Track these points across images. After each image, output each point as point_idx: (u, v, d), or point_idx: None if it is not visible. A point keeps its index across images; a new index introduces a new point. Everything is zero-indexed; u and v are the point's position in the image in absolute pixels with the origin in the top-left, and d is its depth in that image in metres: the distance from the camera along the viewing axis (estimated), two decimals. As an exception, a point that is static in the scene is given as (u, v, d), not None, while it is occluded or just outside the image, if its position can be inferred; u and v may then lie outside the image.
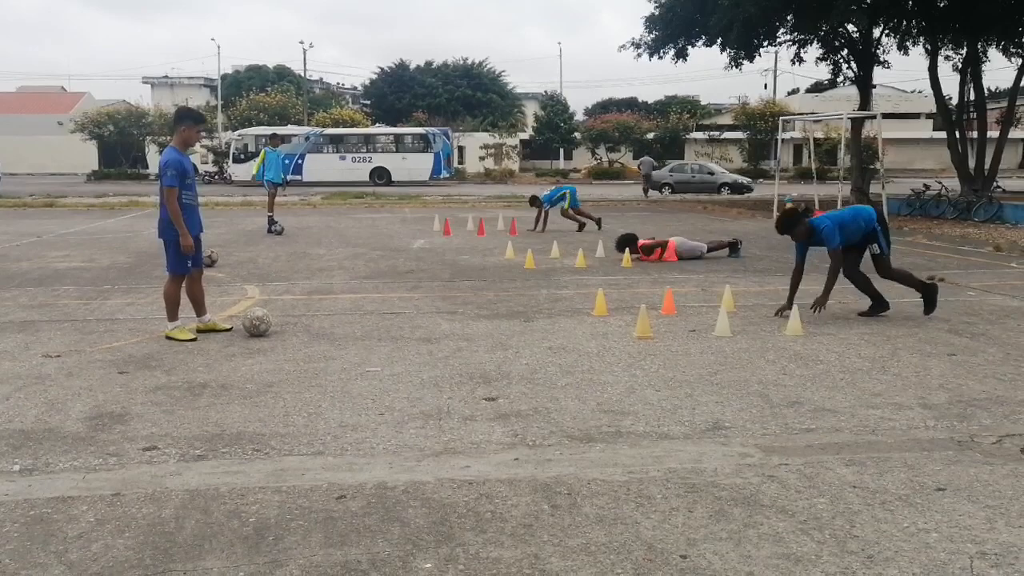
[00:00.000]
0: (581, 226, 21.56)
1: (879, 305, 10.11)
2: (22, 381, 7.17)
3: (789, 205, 26.78)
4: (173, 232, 8.82)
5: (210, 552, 4.08)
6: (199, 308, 9.27)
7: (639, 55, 35.77)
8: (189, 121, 9.14)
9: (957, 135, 31.14)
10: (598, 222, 21.80)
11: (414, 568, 3.92)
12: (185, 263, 8.98)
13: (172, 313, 8.98)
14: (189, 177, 8.94)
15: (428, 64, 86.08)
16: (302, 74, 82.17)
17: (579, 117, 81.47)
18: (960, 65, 32.70)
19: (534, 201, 22.32)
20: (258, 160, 21.79)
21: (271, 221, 20.73)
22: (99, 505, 4.62)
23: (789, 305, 9.55)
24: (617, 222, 23.03)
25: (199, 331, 9.08)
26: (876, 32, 33.62)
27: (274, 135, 23.08)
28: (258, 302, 10.95)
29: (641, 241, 15.69)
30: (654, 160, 48.68)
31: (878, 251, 9.99)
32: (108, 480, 4.99)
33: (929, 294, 10.05)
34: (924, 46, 33.83)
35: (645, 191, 43.41)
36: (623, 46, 36.45)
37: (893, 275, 10.20)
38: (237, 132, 56.37)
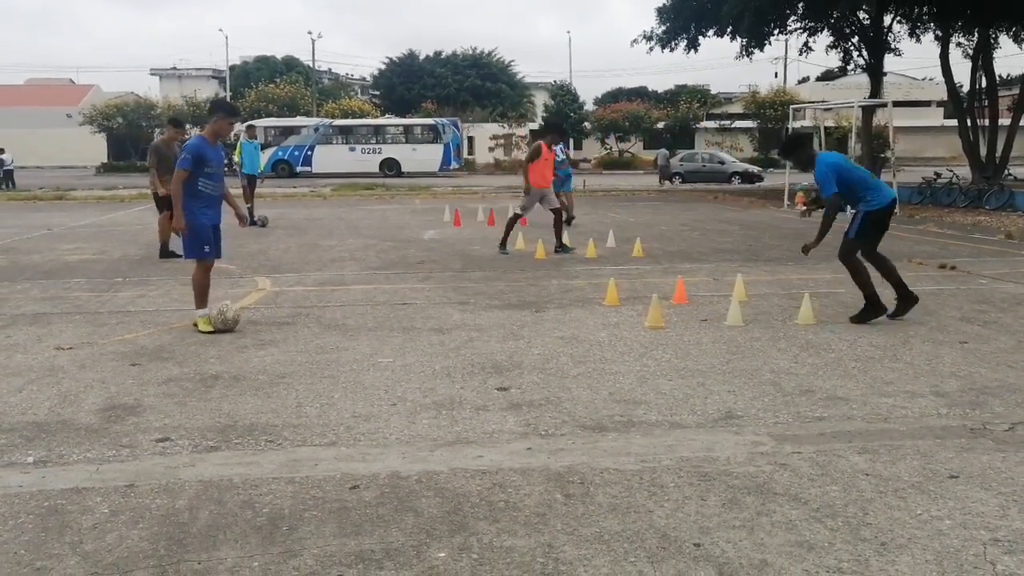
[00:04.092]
0: (570, 220, 21.09)
1: (905, 301, 9.19)
2: (35, 374, 7.19)
3: (804, 196, 26.76)
4: (190, 216, 8.82)
5: (224, 542, 4.09)
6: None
7: (651, 48, 35.75)
8: (221, 113, 9.20)
9: (968, 123, 31.02)
10: (570, 219, 21.37)
11: (428, 557, 3.93)
12: (200, 248, 8.95)
13: (199, 300, 8.97)
14: (210, 166, 8.91)
15: (437, 54, 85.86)
16: (311, 65, 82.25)
17: (589, 106, 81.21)
18: (972, 52, 32.56)
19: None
20: (236, 151, 21.72)
21: (250, 212, 20.75)
22: (113, 496, 4.64)
23: (816, 242, 9.11)
24: (627, 211, 23.02)
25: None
26: (887, 19, 33.48)
27: (249, 126, 23.04)
28: (269, 294, 10.99)
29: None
30: (667, 152, 49.25)
31: (848, 230, 9.22)
32: (122, 471, 5.01)
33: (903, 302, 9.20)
34: (935, 33, 33.70)
35: (661, 180, 44.73)
36: (635, 40, 36.29)
37: (850, 263, 9.20)
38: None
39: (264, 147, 51.66)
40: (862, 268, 9.18)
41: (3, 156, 43.95)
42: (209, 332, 8.71)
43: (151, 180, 14.57)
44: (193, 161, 8.78)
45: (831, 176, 8.98)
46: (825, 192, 9.06)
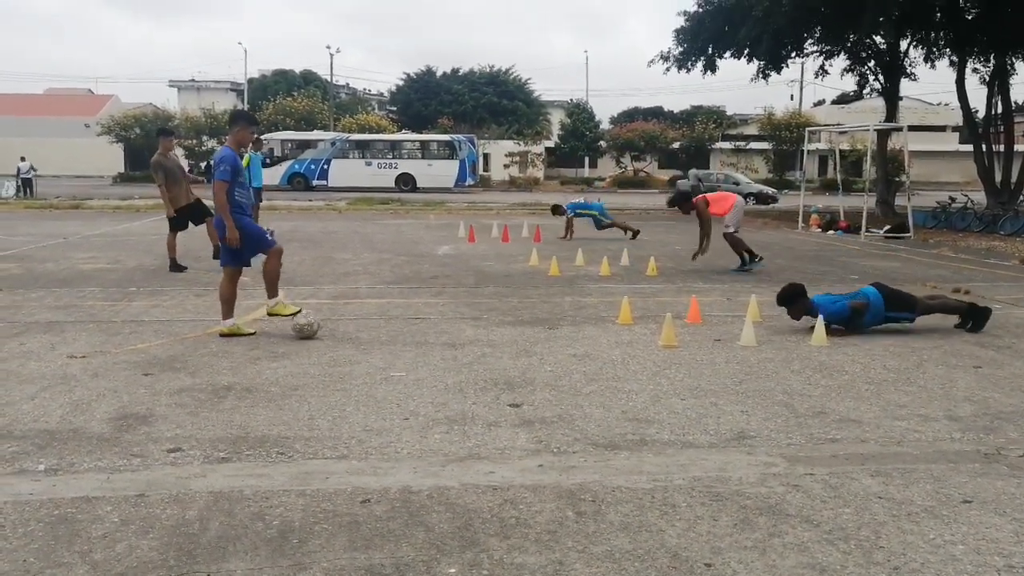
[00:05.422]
0: (634, 234, 21.35)
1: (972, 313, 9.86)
2: (47, 381, 7.21)
3: (818, 218, 26.71)
4: (224, 227, 9.09)
5: (234, 554, 4.09)
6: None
7: (668, 69, 35.89)
8: (243, 122, 9.45)
9: (984, 148, 30.97)
10: (635, 233, 21.53)
11: (438, 573, 3.92)
12: (231, 257, 9.21)
13: (225, 311, 9.20)
14: (241, 175, 9.20)
15: (455, 71, 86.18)
16: (329, 79, 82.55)
17: (605, 125, 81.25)
18: (988, 78, 32.53)
19: (557, 210, 22.31)
20: (244, 163, 21.48)
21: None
22: (123, 506, 4.63)
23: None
24: (642, 230, 22.97)
25: (222, 335, 9.11)
26: (903, 44, 33.50)
27: (257, 138, 22.86)
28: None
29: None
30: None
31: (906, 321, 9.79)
32: (132, 481, 5.01)
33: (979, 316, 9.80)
34: (951, 58, 33.70)
35: None
36: (652, 60, 36.42)
37: (933, 309, 9.85)
38: (263, 136, 56.67)
39: (281, 160, 52.15)
40: (939, 300, 10.17)
41: (21, 164, 44.33)
42: (292, 314, 9.17)
43: (163, 198, 14.68)
44: (232, 171, 9.05)
45: (835, 307, 9.59)
46: (848, 314, 9.52)
